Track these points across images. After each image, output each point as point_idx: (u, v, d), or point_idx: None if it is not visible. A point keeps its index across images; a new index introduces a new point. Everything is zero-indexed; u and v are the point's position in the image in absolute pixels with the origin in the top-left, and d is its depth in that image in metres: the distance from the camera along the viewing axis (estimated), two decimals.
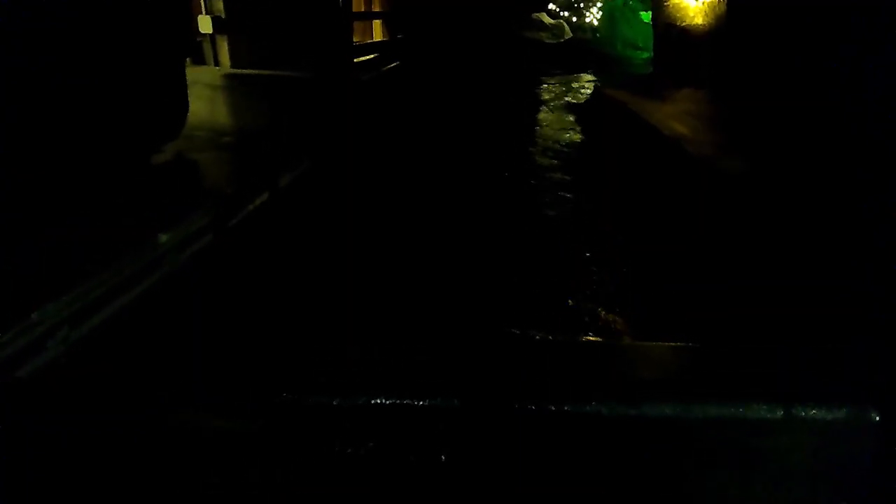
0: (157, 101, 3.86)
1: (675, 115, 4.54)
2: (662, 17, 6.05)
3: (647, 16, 15.55)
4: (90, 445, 1.57)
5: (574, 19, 13.80)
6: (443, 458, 1.63)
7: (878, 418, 1.60)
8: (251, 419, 1.62)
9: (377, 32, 7.63)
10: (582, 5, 13.93)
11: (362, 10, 7.42)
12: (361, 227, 3.76)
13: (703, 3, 5.50)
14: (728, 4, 4.89)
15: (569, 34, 13.18)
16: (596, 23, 14.02)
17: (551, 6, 13.93)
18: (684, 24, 5.74)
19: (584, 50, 13.05)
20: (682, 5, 5.73)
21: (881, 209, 3.18)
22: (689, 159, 3.69)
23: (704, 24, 5.52)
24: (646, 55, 14.11)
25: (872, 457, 1.61)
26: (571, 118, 7.30)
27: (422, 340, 2.12)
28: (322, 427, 1.64)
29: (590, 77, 11.51)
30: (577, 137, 6.16)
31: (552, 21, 13.28)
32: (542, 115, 7.63)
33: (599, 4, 13.98)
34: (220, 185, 3.71)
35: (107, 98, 3.26)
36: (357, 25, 7.15)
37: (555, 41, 12.83)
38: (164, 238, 2.80)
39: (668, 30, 5.88)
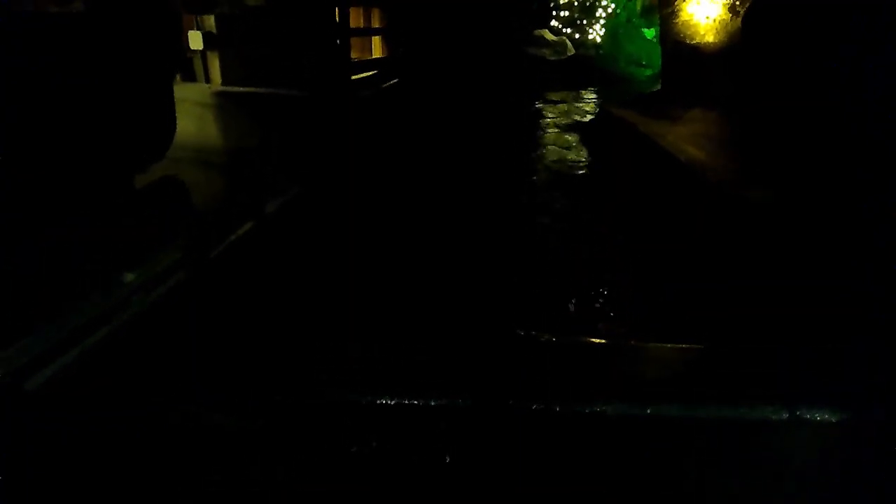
0: (142, 121, 3.61)
1: (689, 138, 4.27)
2: (671, 34, 5.82)
3: (650, 33, 15.43)
4: (92, 443, 1.53)
5: (577, 36, 13.61)
6: (445, 457, 1.62)
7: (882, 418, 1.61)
8: (252, 417, 1.60)
9: (376, 48, 7.43)
10: (585, 22, 13.76)
11: (361, 25, 7.22)
12: (354, 258, 3.48)
13: (715, 21, 5.28)
14: (744, 21, 4.67)
15: (571, 51, 12.99)
16: (599, 40, 13.84)
17: (554, 23, 13.76)
18: (694, 41, 5.52)
19: (587, 67, 12.86)
20: (691, 22, 5.51)
21: (881, 209, 3.12)
22: (709, 187, 3.42)
23: (716, 42, 5.30)
24: (649, 72, 13.95)
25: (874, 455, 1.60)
26: (576, 138, 7.05)
27: (424, 341, 2.21)
28: (323, 425, 1.64)
29: (593, 94, 11.31)
30: (583, 159, 5.88)
31: (554, 38, 13.10)
32: (545, 135, 7.38)
33: (602, 21, 13.82)
34: (200, 213, 3.44)
35: (86, 116, 3.01)
36: (355, 41, 6.94)
37: (557, 58, 12.65)
38: (129, 277, 2.53)
39: (678, 47, 5.65)
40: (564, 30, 13.76)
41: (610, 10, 14.07)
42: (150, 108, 3.74)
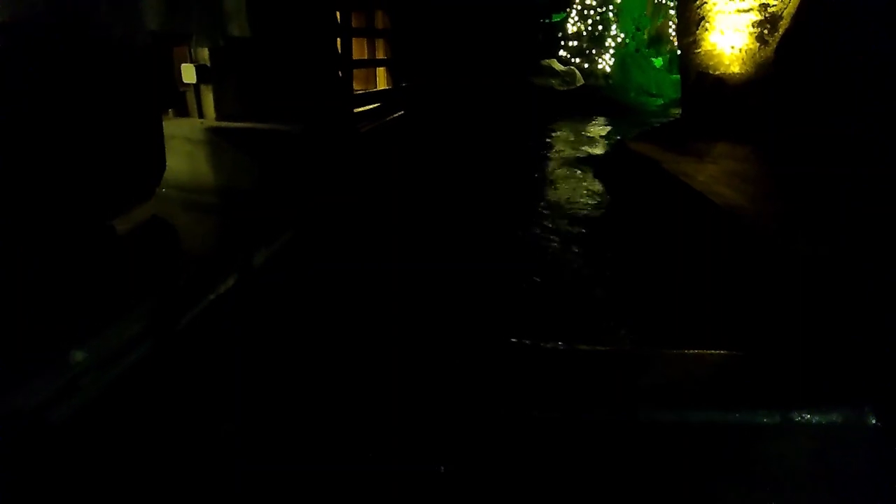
0: (128, 160, 3.26)
1: (722, 178, 3.88)
2: (693, 64, 5.49)
3: (658, 62, 15.29)
4: None
5: (586, 66, 13.40)
6: (446, 466, 1.64)
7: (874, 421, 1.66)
8: None
9: (381, 80, 7.16)
10: (594, 52, 13.57)
11: (365, 56, 6.97)
12: (349, 320, 3.04)
13: (741, 51, 4.94)
14: (777, 51, 4.32)
15: (581, 81, 12.75)
16: (608, 69, 13.64)
17: (562, 52, 13.58)
18: (718, 72, 5.17)
19: (596, 97, 12.59)
20: (715, 52, 5.18)
21: (881, 207, 3.04)
22: (753, 235, 3.01)
23: (743, 73, 4.95)
24: (660, 102, 13.72)
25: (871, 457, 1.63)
26: (589, 173, 6.67)
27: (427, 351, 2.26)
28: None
29: (604, 125, 11.00)
30: (598, 199, 5.45)
31: (563, 68, 12.88)
32: (556, 170, 7.02)
33: (612, 51, 13.63)
34: (177, 265, 3.06)
35: (66, 155, 2.68)
36: (359, 73, 6.67)
37: (566, 88, 12.40)
38: (78, 357, 2.13)
39: (701, 79, 5.30)
40: (573, 59, 13.56)
41: (619, 40, 13.90)
42: (137, 147, 3.40)
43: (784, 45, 4.27)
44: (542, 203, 5.39)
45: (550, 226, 4.68)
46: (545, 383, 1.93)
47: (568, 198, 5.49)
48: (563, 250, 4.04)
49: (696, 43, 5.33)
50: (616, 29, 13.83)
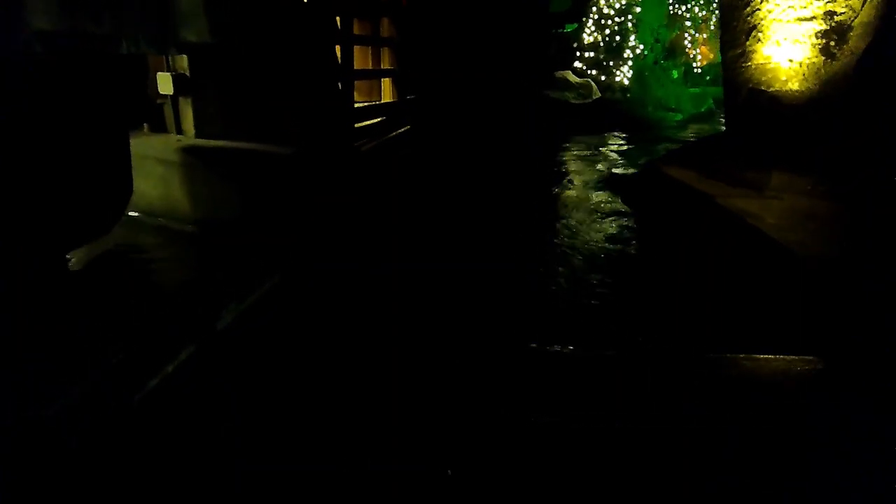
0: (83, 188, 2.64)
1: (795, 220, 3.19)
2: (741, 80, 4.82)
3: (675, 74, 14.70)
4: None
5: (602, 78, 12.75)
6: (452, 471, 1.64)
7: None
8: None
9: (386, 92, 6.54)
10: (611, 64, 12.94)
11: (369, 66, 6.37)
12: (332, 402, 2.30)
13: (801, 65, 4.27)
14: (857, 66, 3.65)
15: (597, 94, 12.09)
16: (626, 82, 13.00)
17: (577, 64, 12.95)
18: (773, 88, 4.51)
19: (613, 111, 11.92)
20: (768, 66, 4.50)
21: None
22: (854, 293, 2.34)
23: (803, 90, 4.28)
24: (679, 117, 13.10)
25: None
26: (610, 196, 5.99)
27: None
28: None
29: (623, 141, 10.34)
30: (631, 233, 4.71)
31: (579, 80, 12.23)
32: (577, 193, 6.34)
33: (630, 63, 13.00)
34: (118, 334, 2.39)
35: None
36: (361, 84, 6.06)
37: (581, 101, 11.74)
38: None
39: (755, 96, 4.63)
40: (589, 71, 12.92)
41: (638, 51, 13.28)
42: (96, 172, 2.76)
43: (867, 60, 3.61)
44: (566, 234, 4.69)
45: (579, 261, 3.95)
46: (549, 388, 1.94)
47: (593, 229, 4.79)
48: (600, 304, 3.30)
49: (745, 56, 4.67)
50: (635, 40, 13.21)
